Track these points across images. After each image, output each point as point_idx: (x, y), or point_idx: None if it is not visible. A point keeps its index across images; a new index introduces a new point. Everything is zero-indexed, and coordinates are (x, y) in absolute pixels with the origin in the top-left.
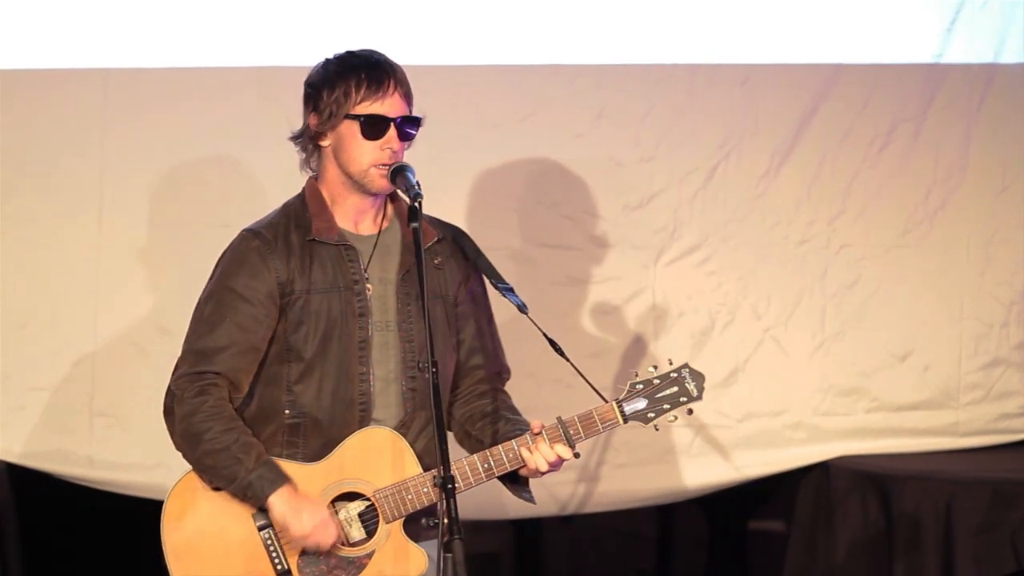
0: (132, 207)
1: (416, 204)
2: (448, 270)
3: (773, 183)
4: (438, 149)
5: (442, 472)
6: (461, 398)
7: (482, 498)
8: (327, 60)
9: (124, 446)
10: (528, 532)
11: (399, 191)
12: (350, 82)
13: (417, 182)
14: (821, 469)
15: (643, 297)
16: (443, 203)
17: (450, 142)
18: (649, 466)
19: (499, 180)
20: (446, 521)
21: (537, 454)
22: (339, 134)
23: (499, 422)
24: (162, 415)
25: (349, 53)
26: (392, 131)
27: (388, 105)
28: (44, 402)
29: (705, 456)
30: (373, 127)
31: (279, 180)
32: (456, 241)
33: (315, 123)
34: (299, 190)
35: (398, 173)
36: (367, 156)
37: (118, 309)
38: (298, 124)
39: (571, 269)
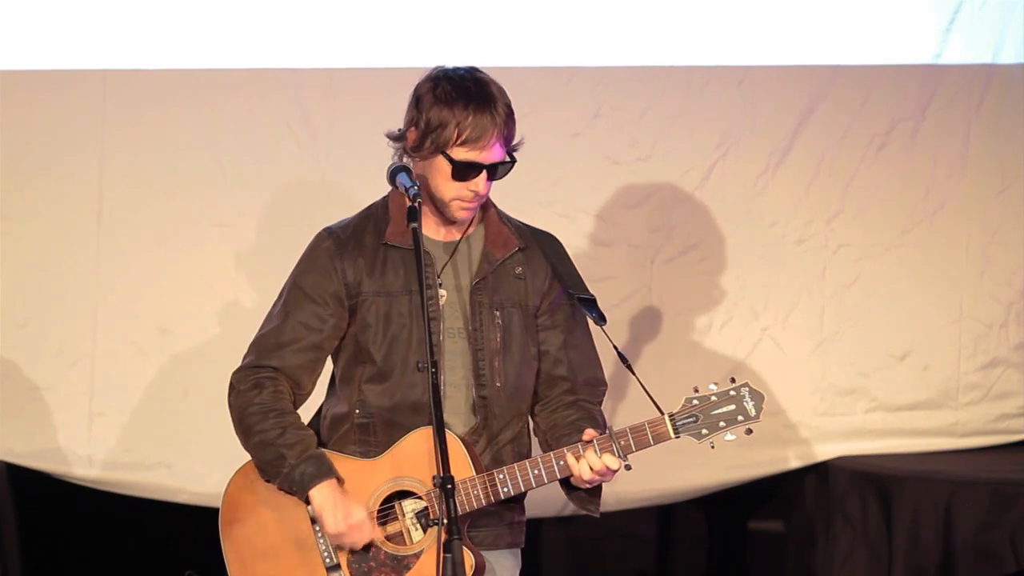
0: (132, 207)
1: (415, 205)
2: (529, 280)
3: (771, 183)
4: None
5: (442, 473)
6: (547, 408)
7: None
8: (440, 77)
9: (124, 446)
10: (528, 532)
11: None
12: (453, 121)
13: (416, 183)
14: (821, 469)
15: (640, 296)
16: None
17: None
18: (648, 466)
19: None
20: (446, 521)
21: (583, 462)
22: (431, 163)
23: (576, 434)
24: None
25: (462, 77)
26: (483, 175)
27: (485, 154)
28: (44, 402)
29: (705, 456)
30: (464, 172)
31: (278, 181)
32: (543, 250)
33: (412, 140)
34: (297, 192)
35: (397, 173)
36: (451, 192)
37: (118, 309)
38: (296, 125)
39: None
